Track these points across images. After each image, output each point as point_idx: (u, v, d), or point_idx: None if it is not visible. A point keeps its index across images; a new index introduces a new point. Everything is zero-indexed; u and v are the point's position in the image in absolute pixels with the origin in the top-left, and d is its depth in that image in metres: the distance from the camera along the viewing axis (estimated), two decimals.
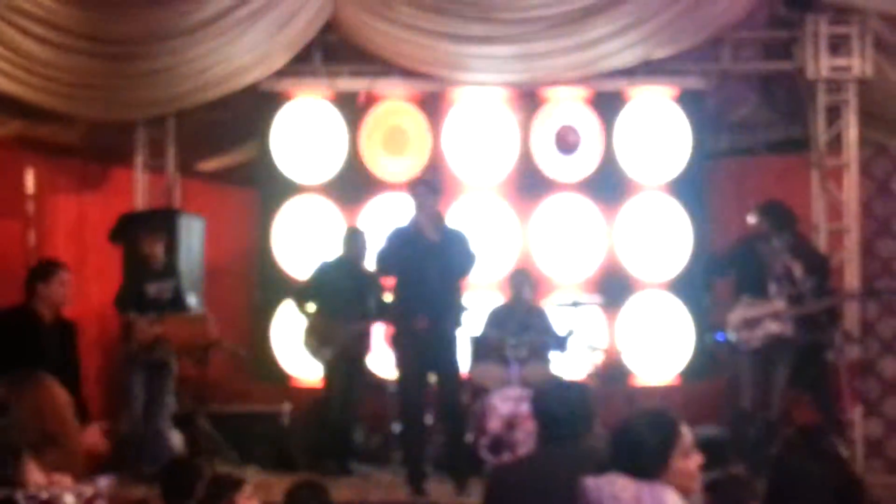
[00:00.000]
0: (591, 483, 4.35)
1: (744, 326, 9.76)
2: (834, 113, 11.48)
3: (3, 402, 4.76)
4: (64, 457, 5.30)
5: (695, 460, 4.42)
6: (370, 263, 10.47)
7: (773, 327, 9.64)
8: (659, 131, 12.15)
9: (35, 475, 5.06)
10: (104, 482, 5.06)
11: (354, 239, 10.90)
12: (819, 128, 11.43)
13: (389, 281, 10.16)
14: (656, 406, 4.85)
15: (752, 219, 9.99)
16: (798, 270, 9.63)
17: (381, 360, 11.17)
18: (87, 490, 5.01)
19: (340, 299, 10.54)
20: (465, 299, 10.22)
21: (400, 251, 9.53)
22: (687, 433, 4.43)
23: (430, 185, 9.77)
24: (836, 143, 11.47)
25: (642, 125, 12.15)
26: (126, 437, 10.34)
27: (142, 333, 10.02)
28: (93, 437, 7.62)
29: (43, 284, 8.95)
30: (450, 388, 9.73)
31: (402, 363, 9.75)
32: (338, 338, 10.44)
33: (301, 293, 10.96)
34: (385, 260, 9.74)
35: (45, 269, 9.10)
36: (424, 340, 9.42)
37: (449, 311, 9.61)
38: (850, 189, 11.39)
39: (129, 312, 10.20)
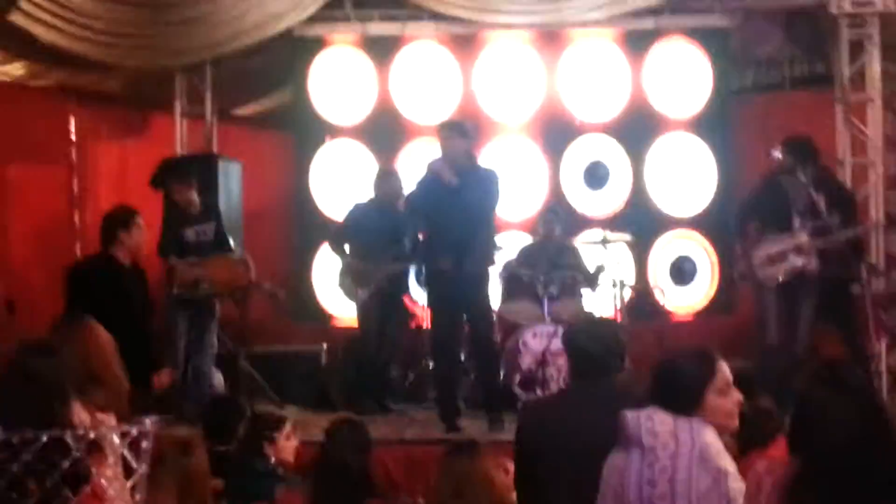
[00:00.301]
0: (630, 416, 4.41)
1: (768, 262, 9.87)
2: (857, 48, 11.53)
3: (50, 344, 4.91)
4: (109, 397, 5.41)
5: (733, 398, 4.49)
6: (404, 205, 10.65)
7: (797, 261, 9.69)
8: (685, 69, 12.29)
9: (81, 415, 5.26)
10: (149, 421, 5.25)
11: (387, 180, 11.01)
12: (843, 63, 11.52)
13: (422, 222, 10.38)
14: (698, 344, 4.92)
15: (776, 154, 10.04)
16: (822, 204, 9.68)
17: (418, 300, 11.39)
18: (133, 429, 5.16)
19: (375, 240, 10.67)
20: (497, 238, 10.40)
21: (425, 195, 9.71)
22: (725, 370, 4.49)
23: (456, 128, 9.83)
24: (859, 79, 11.55)
25: (668, 63, 12.30)
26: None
27: (183, 276, 10.14)
28: (165, 378, 7.76)
29: (125, 232, 8.92)
30: (481, 326, 9.83)
31: (432, 303, 9.98)
32: (373, 278, 10.59)
33: (336, 235, 11.14)
34: (413, 203, 10.00)
35: (124, 217, 9.01)
36: (452, 280, 9.54)
37: (473, 251, 9.62)
38: (875, 124, 11.48)
39: (170, 257, 10.40)
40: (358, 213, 11.00)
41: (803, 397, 4.11)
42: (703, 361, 4.49)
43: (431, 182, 9.62)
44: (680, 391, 4.42)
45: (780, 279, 9.75)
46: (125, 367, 5.54)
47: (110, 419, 5.30)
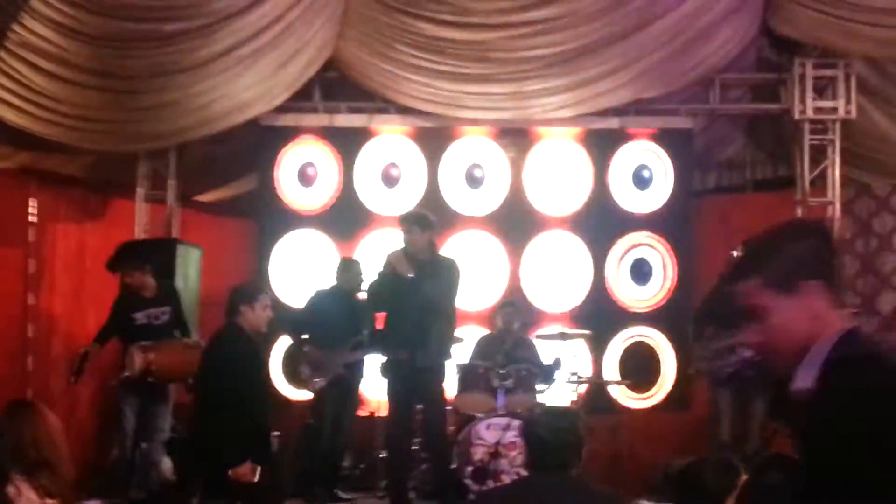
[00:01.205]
0: None
1: (717, 355, 9.88)
2: (819, 152, 11.72)
3: None
4: (55, 482, 5.40)
5: None
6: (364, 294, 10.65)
7: (745, 353, 9.72)
8: (647, 169, 12.36)
9: (30, 496, 5.21)
10: None
11: (348, 269, 11.06)
12: (804, 167, 11.66)
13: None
14: (723, 455, 4.89)
15: (737, 253, 10.04)
16: None
17: (375, 389, 11.31)
18: None
19: (334, 329, 10.66)
20: (455, 330, 10.38)
21: (382, 286, 9.72)
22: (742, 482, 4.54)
23: (418, 220, 9.83)
24: (820, 182, 11.69)
25: (630, 163, 12.36)
26: (116, 461, 10.50)
27: (133, 361, 10.11)
28: (245, 471, 7.61)
29: (248, 307, 8.28)
30: (434, 417, 9.84)
31: (390, 393, 9.90)
32: (331, 367, 10.59)
33: (295, 323, 11.13)
34: (371, 294, 10.01)
35: (250, 292, 8.49)
36: (407, 371, 9.56)
37: (429, 344, 9.64)
38: (833, 227, 11.58)
39: (99, 345, 10.39)
40: (318, 301, 10.99)
41: (753, 485, 4.14)
42: (729, 473, 4.55)
43: (389, 273, 9.63)
44: (702, 498, 4.49)
45: (729, 371, 9.75)
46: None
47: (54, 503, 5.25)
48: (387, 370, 9.89)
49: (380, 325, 10.52)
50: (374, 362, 10.88)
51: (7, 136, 11.43)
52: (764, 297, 3.05)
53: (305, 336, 10.90)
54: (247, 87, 11.66)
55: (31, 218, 11.51)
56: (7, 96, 11.11)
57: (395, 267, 9.55)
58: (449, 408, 10.33)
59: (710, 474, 4.55)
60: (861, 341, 3.00)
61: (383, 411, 10.57)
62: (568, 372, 10.86)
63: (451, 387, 10.43)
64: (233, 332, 8.06)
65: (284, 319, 11.01)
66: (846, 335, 2.98)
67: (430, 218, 10.03)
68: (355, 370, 10.89)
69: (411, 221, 9.81)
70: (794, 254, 3.09)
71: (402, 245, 9.70)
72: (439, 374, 9.83)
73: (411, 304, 9.48)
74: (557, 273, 12.39)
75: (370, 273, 10.36)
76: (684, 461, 4.85)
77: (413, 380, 9.59)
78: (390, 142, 12.56)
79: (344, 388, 10.73)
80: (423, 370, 9.59)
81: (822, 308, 3.01)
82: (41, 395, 10.62)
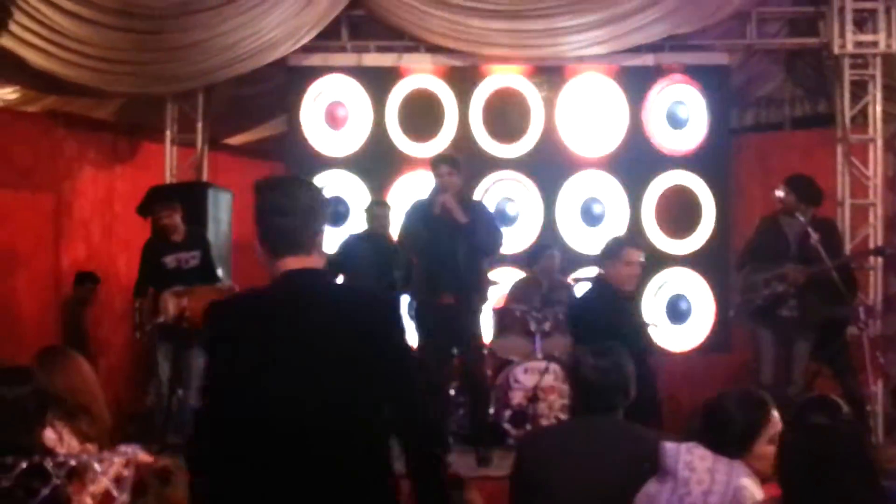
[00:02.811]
0: (670, 447, 4.40)
1: (749, 288, 9.77)
2: (859, 88, 11.51)
3: (21, 371, 4.84)
4: (93, 427, 5.38)
5: (773, 447, 4.40)
6: (395, 236, 10.53)
7: (778, 287, 9.59)
8: (684, 106, 12.14)
9: (72, 442, 5.19)
10: (131, 451, 5.12)
11: (378, 212, 10.98)
12: (844, 103, 11.45)
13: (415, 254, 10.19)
14: (749, 389, 4.78)
15: (779, 192, 9.88)
16: (815, 239, 9.52)
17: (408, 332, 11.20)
18: (115, 458, 5.09)
19: (366, 272, 10.58)
20: (491, 274, 10.26)
21: (425, 228, 9.45)
22: (777, 419, 4.48)
23: (457, 163, 9.63)
24: (860, 119, 11.50)
25: (666, 101, 12.15)
26: (152, 407, 10.47)
27: (167, 305, 10.06)
28: None
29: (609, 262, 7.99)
30: (474, 361, 9.72)
31: (423, 336, 9.75)
32: None
33: (328, 267, 11.03)
34: (410, 236, 9.68)
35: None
36: (449, 315, 9.40)
37: (475, 288, 9.59)
38: (876, 164, 11.43)
39: (142, 295, 10.31)
40: (349, 245, 10.90)
41: (796, 427, 4.10)
42: (758, 408, 4.47)
43: (432, 216, 9.42)
44: (730, 436, 4.40)
45: (759, 303, 9.61)
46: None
47: (92, 448, 5.21)
48: (422, 313, 9.70)
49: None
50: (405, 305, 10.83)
51: (33, 79, 11.34)
52: None
53: (338, 279, 10.80)
54: (273, 26, 11.51)
55: (60, 162, 11.42)
56: (31, 38, 11.00)
57: (451, 211, 9.30)
58: (486, 352, 10.22)
59: (737, 408, 4.45)
60: None
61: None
62: None
63: (487, 331, 10.33)
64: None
65: None
66: None
67: (462, 161, 9.87)
68: None
69: (449, 163, 9.58)
70: None
71: (441, 188, 9.49)
72: (478, 317, 9.69)
73: (460, 249, 9.32)
74: (593, 214, 12.21)
75: (401, 214, 10.20)
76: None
77: (453, 323, 9.43)
78: (420, 81, 12.32)
79: None
80: (465, 313, 9.44)
81: None
82: None
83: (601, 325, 7.37)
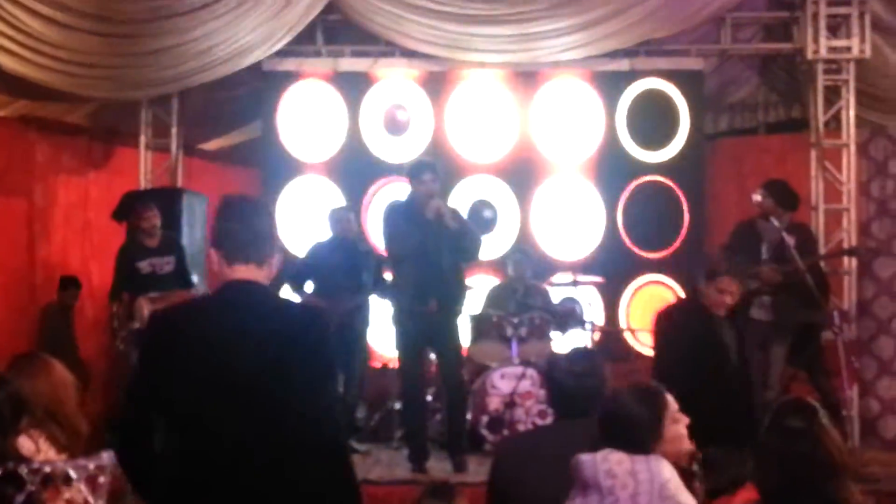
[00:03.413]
0: (586, 459, 4.34)
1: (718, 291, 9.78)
2: (833, 93, 11.56)
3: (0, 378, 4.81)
4: (64, 436, 5.35)
5: (682, 423, 4.50)
6: (362, 239, 10.84)
7: (752, 284, 9.61)
8: (658, 112, 12.15)
9: (49, 453, 5.15)
10: (107, 458, 5.09)
11: (340, 217, 10.95)
12: (818, 108, 11.49)
13: (387, 257, 10.15)
14: (637, 380, 4.81)
15: (757, 196, 9.90)
16: (791, 243, 9.54)
17: (382, 337, 11.20)
18: (90, 464, 5.06)
19: (335, 277, 10.58)
20: (469, 280, 10.27)
21: (410, 233, 9.40)
22: (672, 400, 4.49)
23: (437, 169, 9.59)
24: (834, 124, 11.56)
25: (642, 106, 12.15)
26: None
27: (142, 310, 10.01)
28: None
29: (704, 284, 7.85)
30: (453, 366, 9.70)
31: (403, 342, 9.75)
32: (333, 314, 10.48)
33: (297, 275, 11.02)
34: (399, 239, 9.58)
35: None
36: (429, 321, 9.40)
37: (458, 294, 9.65)
38: (849, 169, 11.47)
39: (117, 299, 10.31)
40: (316, 252, 10.92)
41: (774, 430, 4.11)
42: (653, 398, 4.45)
43: (419, 219, 9.36)
44: (638, 431, 4.36)
45: (728, 301, 9.62)
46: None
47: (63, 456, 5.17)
48: (402, 319, 9.67)
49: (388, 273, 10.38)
50: (380, 310, 10.80)
51: (5, 83, 11.27)
52: None
53: (307, 286, 10.79)
54: (248, 31, 11.45)
55: (33, 167, 11.37)
56: (4, 42, 10.94)
57: (444, 217, 9.28)
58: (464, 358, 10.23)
59: (635, 403, 4.43)
60: None
61: (396, 362, 10.47)
62: (581, 319, 10.80)
63: (464, 336, 10.31)
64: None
65: (285, 270, 10.91)
66: None
67: (441, 167, 9.88)
68: (359, 317, 10.77)
69: (432, 169, 9.55)
70: None
71: (419, 192, 9.47)
72: (457, 323, 9.70)
73: (445, 254, 9.34)
74: (568, 220, 12.21)
75: (377, 219, 10.21)
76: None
77: (433, 328, 9.45)
78: (395, 86, 12.31)
79: (350, 335, 10.60)
80: (445, 320, 9.46)
81: None
82: None
83: (686, 338, 7.50)
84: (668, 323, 8.04)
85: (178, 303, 5.98)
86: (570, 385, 5.17)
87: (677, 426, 4.46)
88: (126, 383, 10.00)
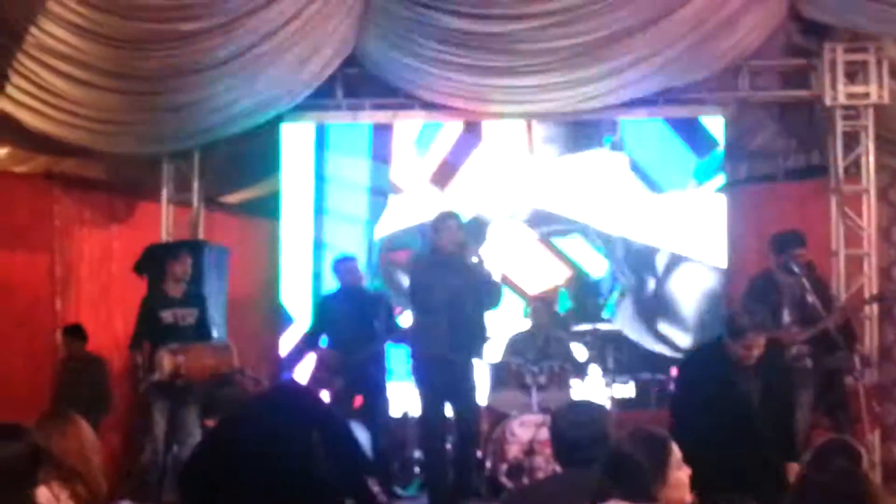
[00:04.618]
0: None
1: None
2: (852, 139, 11.53)
3: (15, 427, 4.84)
4: (88, 492, 5.38)
5: (685, 471, 4.43)
6: (369, 286, 11.06)
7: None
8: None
9: (66, 502, 5.18)
10: None
11: (345, 266, 11.01)
12: (837, 154, 11.48)
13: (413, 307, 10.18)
14: (638, 427, 4.79)
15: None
16: (811, 297, 9.56)
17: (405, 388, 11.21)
18: None
19: (345, 328, 10.66)
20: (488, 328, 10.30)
21: (437, 283, 9.53)
22: (674, 446, 4.47)
23: (459, 220, 9.83)
24: (854, 169, 11.53)
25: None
26: (147, 465, 10.44)
27: (162, 363, 10.07)
28: None
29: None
30: (471, 416, 9.78)
31: (426, 390, 9.79)
32: (347, 365, 10.50)
33: (310, 332, 11.07)
34: (422, 292, 9.72)
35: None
36: (452, 370, 9.48)
37: (479, 342, 9.77)
38: (869, 214, 11.44)
39: (138, 349, 10.37)
40: (325, 305, 10.99)
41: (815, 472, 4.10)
42: (658, 444, 4.39)
43: (438, 270, 9.51)
44: (642, 479, 4.29)
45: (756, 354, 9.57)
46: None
47: None
48: (427, 369, 9.71)
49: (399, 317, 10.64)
50: (400, 360, 10.81)
51: (26, 140, 11.38)
52: None
53: (321, 342, 10.83)
54: (267, 86, 11.51)
55: (56, 222, 11.45)
56: (25, 99, 11.03)
57: (481, 268, 9.53)
58: (482, 407, 10.24)
59: (638, 450, 4.33)
60: None
61: (415, 410, 10.48)
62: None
63: (483, 385, 10.32)
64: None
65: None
66: None
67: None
68: (377, 364, 10.77)
69: (456, 219, 9.80)
70: None
71: (437, 242, 9.59)
72: (474, 372, 9.79)
73: (468, 301, 9.47)
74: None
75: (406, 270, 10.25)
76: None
77: (454, 377, 9.51)
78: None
79: (367, 385, 10.59)
80: (464, 369, 9.56)
81: None
82: None
83: (705, 385, 7.49)
84: (688, 369, 8.02)
85: None
86: (572, 436, 5.15)
87: (680, 473, 4.40)
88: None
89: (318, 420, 5.34)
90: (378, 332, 10.69)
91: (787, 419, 7.98)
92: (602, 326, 11.52)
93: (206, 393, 6.56)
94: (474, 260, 9.57)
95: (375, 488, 8.44)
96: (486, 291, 9.61)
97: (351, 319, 10.63)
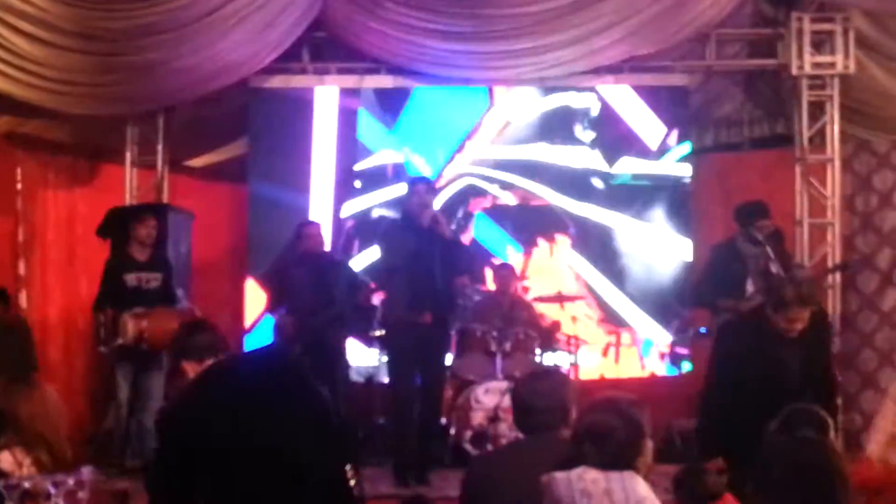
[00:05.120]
0: (561, 478, 4.31)
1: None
2: (817, 109, 11.57)
3: None
4: (51, 457, 5.36)
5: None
6: (330, 251, 10.98)
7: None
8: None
9: (32, 471, 5.16)
10: (86, 473, 5.08)
11: (307, 231, 10.98)
12: (802, 124, 11.52)
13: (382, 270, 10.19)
14: (614, 395, 4.78)
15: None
16: (775, 267, 9.59)
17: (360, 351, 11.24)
18: (70, 480, 5.05)
19: (303, 294, 10.60)
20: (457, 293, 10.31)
21: (406, 242, 9.54)
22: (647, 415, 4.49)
23: (430, 184, 9.86)
24: (819, 139, 11.57)
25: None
26: (111, 430, 10.40)
27: (126, 327, 10.02)
28: None
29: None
30: (438, 382, 9.84)
31: (396, 355, 9.81)
32: (305, 331, 10.46)
33: (274, 299, 11.04)
34: (392, 251, 9.76)
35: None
36: (424, 335, 9.48)
37: (451, 307, 9.84)
38: (833, 184, 11.50)
39: (105, 310, 10.27)
40: (285, 271, 10.91)
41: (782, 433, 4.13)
42: (635, 412, 4.43)
43: (408, 231, 9.52)
44: (615, 447, 4.33)
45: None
46: None
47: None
48: (397, 333, 9.74)
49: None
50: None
51: None
52: None
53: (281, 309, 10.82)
54: (233, 48, 11.43)
55: (18, 185, 11.35)
56: None
57: (440, 224, 9.50)
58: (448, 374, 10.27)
59: (615, 417, 4.38)
60: None
61: (380, 377, 10.48)
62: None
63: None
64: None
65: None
66: None
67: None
68: (334, 329, 10.74)
69: (427, 183, 9.89)
70: None
71: (407, 204, 9.64)
72: (448, 339, 9.92)
73: (442, 267, 9.48)
74: None
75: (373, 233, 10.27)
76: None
77: (426, 344, 9.51)
78: None
79: (327, 349, 10.59)
80: (438, 335, 9.57)
81: None
82: None
83: (751, 359, 7.42)
84: (728, 339, 7.96)
85: None
86: (533, 403, 5.21)
87: (649, 441, 4.44)
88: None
89: (316, 401, 4.83)
90: (337, 297, 10.63)
91: (829, 390, 7.89)
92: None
93: (176, 339, 6.42)
94: (443, 224, 9.59)
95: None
96: (457, 255, 9.62)
97: (309, 285, 10.58)
